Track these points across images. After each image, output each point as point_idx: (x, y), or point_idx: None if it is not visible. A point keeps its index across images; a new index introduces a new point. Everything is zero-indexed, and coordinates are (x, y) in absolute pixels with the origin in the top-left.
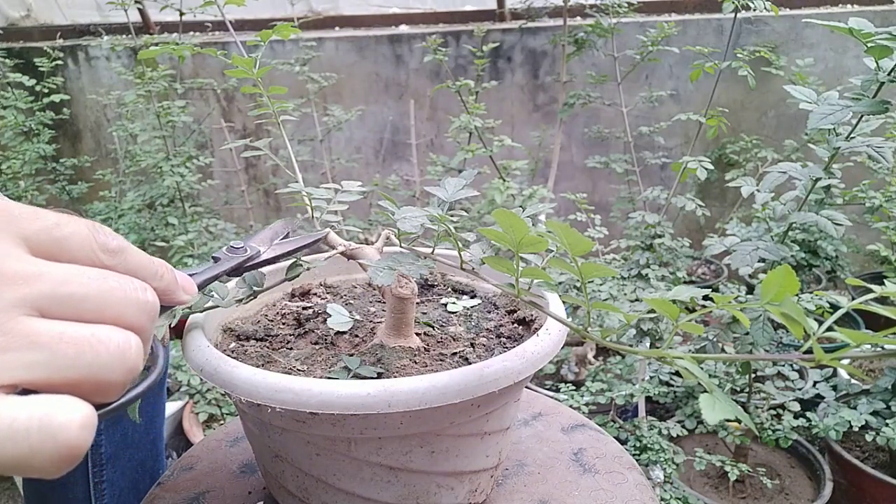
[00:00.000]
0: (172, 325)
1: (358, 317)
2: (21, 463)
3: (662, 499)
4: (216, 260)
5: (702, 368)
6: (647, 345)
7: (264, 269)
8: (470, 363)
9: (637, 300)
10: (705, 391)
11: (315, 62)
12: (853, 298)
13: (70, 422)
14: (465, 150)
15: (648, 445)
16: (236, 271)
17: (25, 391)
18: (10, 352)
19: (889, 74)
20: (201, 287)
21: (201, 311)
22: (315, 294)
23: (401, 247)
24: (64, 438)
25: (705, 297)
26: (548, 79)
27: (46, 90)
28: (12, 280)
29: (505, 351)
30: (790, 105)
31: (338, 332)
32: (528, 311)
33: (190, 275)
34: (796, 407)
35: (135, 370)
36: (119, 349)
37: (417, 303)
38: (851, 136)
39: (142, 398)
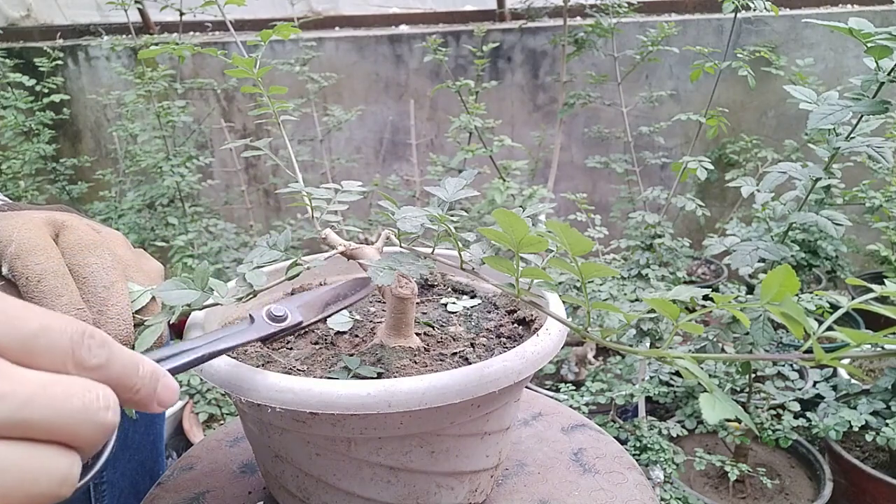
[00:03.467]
0: (171, 322)
1: (358, 317)
2: None
3: (662, 499)
4: (252, 320)
5: (702, 368)
6: (647, 345)
7: (265, 269)
8: (470, 363)
9: (637, 300)
10: (705, 391)
11: (315, 62)
12: (853, 298)
13: None
14: (465, 150)
15: (648, 445)
16: (268, 340)
17: None
18: None
19: (889, 74)
20: (227, 351)
21: (201, 310)
22: None
23: (401, 247)
24: None
25: (705, 297)
26: (548, 79)
27: (46, 90)
28: None
29: (505, 351)
30: (790, 105)
31: (338, 332)
32: (528, 311)
33: (216, 339)
34: (796, 407)
35: (67, 495)
36: (59, 478)
37: (417, 303)
38: (851, 136)
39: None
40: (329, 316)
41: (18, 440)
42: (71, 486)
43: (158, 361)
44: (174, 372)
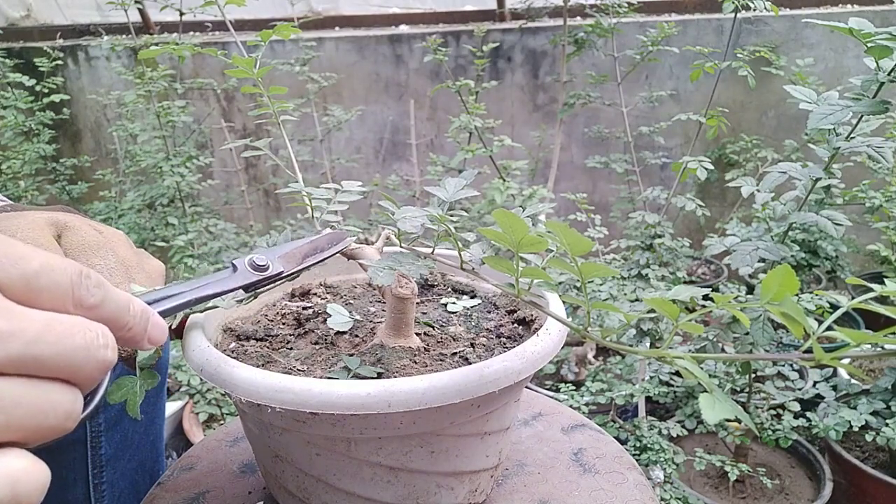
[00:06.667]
0: (173, 327)
1: (358, 317)
2: None
3: (662, 499)
4: (235, 269)
5: (702, 368)
6: (647, 345)
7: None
8: (470, 363)
9: (637, 300)
10: (705, 391)
11: (315, 62)
12: (853, 298)
13: (34, 489)
14: (465, 150)
15: (648, 445)
16: (250, 288)
17: None
18: None
19: (889, 74)
20: (213, 297)
21: (201, 311)
22: (315, 294)
23: (401, 247)
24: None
25: (705, 297)
26: (548, 79)
27: (46, 90)
28: None
29: (505, 351)
30: (790, 105)
31: (338, 332)
32: (528, 311)
33: (202, 285)
34: (796, 407)
35: (71, 429)
36: (65, 412)
37: (417, 303)
38: (851, 136)
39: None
40: (307, 267)
41: (26, 377)
42: (75, 420)
43: (149, 304)
44: (163, 314)
